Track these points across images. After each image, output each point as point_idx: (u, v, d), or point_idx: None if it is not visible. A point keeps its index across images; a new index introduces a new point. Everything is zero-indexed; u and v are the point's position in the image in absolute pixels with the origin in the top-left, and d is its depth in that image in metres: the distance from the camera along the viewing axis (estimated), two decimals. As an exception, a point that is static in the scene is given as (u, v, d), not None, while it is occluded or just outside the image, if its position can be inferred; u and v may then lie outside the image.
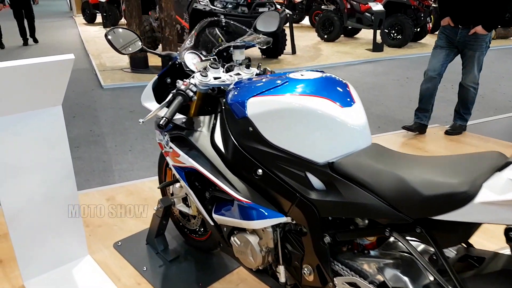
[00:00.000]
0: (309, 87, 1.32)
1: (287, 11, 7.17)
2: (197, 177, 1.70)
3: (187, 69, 1.80)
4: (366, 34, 10.45)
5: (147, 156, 3.60)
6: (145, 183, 3.03)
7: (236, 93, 1.45)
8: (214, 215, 1.61)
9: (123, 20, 12.29)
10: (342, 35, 9.93)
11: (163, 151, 1.80)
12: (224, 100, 1.54)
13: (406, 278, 1.16)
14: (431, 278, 1.13)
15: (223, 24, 1.93)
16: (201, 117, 1.63)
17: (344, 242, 1.34)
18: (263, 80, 1.46)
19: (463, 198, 0.96)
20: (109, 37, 1.69)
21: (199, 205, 1.66)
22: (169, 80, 1.84)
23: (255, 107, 1.35)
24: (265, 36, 1.79)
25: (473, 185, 0.97)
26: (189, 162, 1.57)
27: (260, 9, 6.65)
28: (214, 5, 6.58)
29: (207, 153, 1.53)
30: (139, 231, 2.42)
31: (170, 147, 1.68)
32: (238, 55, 1.76)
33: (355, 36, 10.56)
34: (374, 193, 1.16)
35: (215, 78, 1.65)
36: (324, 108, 1.25)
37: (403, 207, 1.09)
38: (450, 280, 1.06)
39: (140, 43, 1.77)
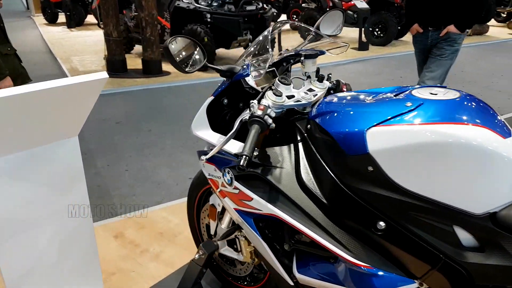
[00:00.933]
0: (455, 112, 1.00)
1: (273, 9, 6.85)
2: (271, 225, 1.35)
3: (247, 86, 1.44)
4: (348, 32, 10.33)
5: (148, 176, 3.17)
6: (156, 212, 2.63)
7: (338, 119, 1.11)
8: (297, 274, 1.26)
9: (88, 19, 11.56)
10: (325, 34, 9.72)
11: (218, 191, 1.43)
12: (311, 126, 1.20)
13: None
14: None
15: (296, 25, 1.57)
16: (277, 149, 1.28)
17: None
18: (376, 100, 1.13)
19: None
20: (172, 46, 1.28)
21: (275, 260, 1.31)
22: (226, 101, 1.47)
23: (380, 140, 1.01)
24: (343, 42, 1.46)
25: None
26: (269, 209, 1.21)
27: (248, 7, 6.29)
28: (198, 3, 6.15)
29: (294, 198, 1.18)
30: (164, 277, 2.03)
31: (235, 188, 1.31)
32: (310, 66, 1.42)
33: (337, 35, 10.39)
34: None
35: (288, 97, 1.31)
36: (485, 140, 0.94)
37: None
38: None
39: (204, 57, 1.39)
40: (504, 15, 12.04)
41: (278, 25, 1.50)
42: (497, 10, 11.68)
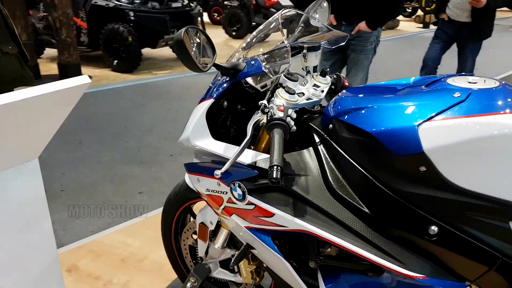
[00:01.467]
0: (507, 100, 0.94)
1: (199, 7, 6.63)
2: (289, 241, 1.19)
3: (247, 85, 1.26)
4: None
5: (90, 194, 2.80)
6: (110, 236, 2.31)
7: (377, 115, 0.99)
8: None
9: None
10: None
11: (221, 208, 1.23)
12: (334, 126, 1.07)
13: None
14: None
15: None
16: (295, 154, 1.12)
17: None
18: (413, 92, 1.03)
19: None
20: (186, 39, 1.02)
21: (298, 280, 1.15)
22: (226, 103, 1.27)
23: (436, 136, 0.91)
24: (341, 32, 1.34)
25: None
26: (297, 224, 1.06)
27: (173, 4, 5.99)
28: (119, 1, 5.70)
29: (327, 208, 1.04)
30: (140, 310, 1.76)
31: (250, 203, 1.13)
32: (313, 60, 1.29)
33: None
34: None
35: (298, 95, 1.17)
36: None
37: None
38: None
39: (213, 52, 1.16)
40: (410, 10, 13.10)
41: (285, 12, 1.34)
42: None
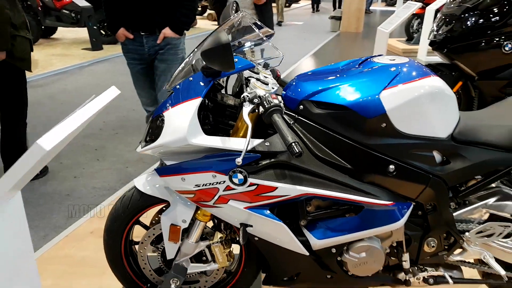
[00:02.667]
0: (420, 69, 1.37)
1: None
2: (284, 207, 1.40)
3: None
4: (64, 33, 9.66)
5: None
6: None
7: (346, 91, 1.29)
8: (317, 242, 1.40)
9: None
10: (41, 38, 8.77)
11: (215, 199, 1.33)
12: (304, 106, 1.32)
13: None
14: None
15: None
16: (275, 136, 1.32)
17: (462, 202, 1.52)
18: (355, 71, 1.36)
19: None
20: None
21: (294, 238, 1.39)
22: (207, 101, 1.34)
23: (391, 100, 1.27)
24: (269, 29, 1.57)
25: None
26: (298, 190, 1.28)
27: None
28: None
29: (320, 171, 1.30)
30: None
31: (252, 184, 1.29)
32: (258, 54, 1.50)
33: (52, 36, 9.50)
34: (496, 146, 1.40)
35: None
36: (443, 84, 1.35)
37: None
38: None
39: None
40: (200, 9, 13.95)
41: (240, 16, 1.47)
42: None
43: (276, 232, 1.38)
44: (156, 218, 1.68)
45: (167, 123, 1.31)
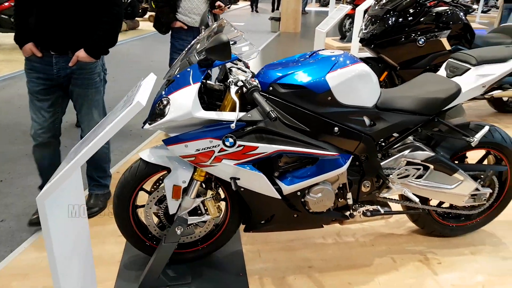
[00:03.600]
0: (351, 57, 1.92)
1: None
2: (263, 163, 1.89)
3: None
4: (3, 38, 9.43)
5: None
6: (28, 253, 2.30)
7: (303, 75, 1.80)
8: (287, 187, 1.91)
9: None
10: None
11: (211, 160, 1.79)
12: (273, 88, 1.82)
13: (422, 151, 2.09)
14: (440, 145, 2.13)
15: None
16: (255, 109, 1.81)
17: (387, 153, 2.10)
18: (307, 60, 1.89)
19: (457, 92, 2.01)
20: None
21: (269, 185, 1.88)
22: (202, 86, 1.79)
23: (334, 79, 1.81)
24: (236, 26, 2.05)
25: (456, 85, 2.03)
26: (273, 148, 1.79)
27: None
28: None
29: (288, 133, 1.81)
30: None
31: (239, 146, 1.77)
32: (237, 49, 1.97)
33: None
34: (406, 111, 2.00)
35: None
36: (367, 68, 1.92)
37: (427, 110, 2.00)
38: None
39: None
40: (140, 12, 13.94)
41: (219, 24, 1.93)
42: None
43: (257, 182, 1.87)
44: (156, 185, 2.11)
45: (173, 103, 1.75)
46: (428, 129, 2.08)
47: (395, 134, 2.11)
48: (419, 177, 2.13)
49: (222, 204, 2.13)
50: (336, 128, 1.87)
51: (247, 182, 1.88)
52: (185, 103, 1.73)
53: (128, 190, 2.02)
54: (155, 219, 2.14)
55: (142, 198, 2.16)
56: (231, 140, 1.77)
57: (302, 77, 1.82)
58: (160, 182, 2.09)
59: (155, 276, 2.03)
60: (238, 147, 1.79)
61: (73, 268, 1.54)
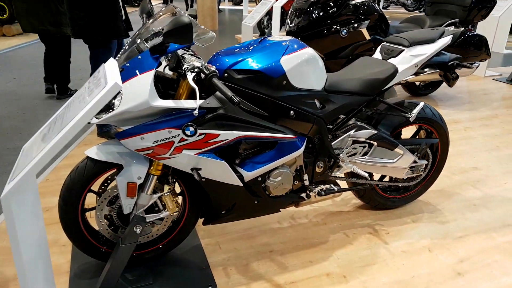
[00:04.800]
0: (299, 42, 1.97)
1: None
2: (223, 151, 1.85)
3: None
4: None
5: None
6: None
7: (257, 60, 1.81)
8: (249, 174, 1.91)
9: None
10: None
11: (170, 151, 1.72)
12: (228, 74, 1.80)
13: (365, 130, 2.22)
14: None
15: None
16: (215, 95, 1.76)
17: (335, 135, 2.19)
18: (260, 46, 1.89)
19: (394, 72, 2.16)
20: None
21: (231, 173, 1.86)
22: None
23: (288, 63, 1.84)
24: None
25: (393, 65, 2.18)
26: (235, 134, 1.78)
27: None
28: None
29: (247, 118, 1.80)
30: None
31: (201, 134, 1.71)
32: None
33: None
34: (352, 93, 2.10)
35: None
36: (314, 52, 1.98)
37: (369, 90, 2.13)
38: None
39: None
40: None
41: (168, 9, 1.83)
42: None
43: (219, 170, 1.84)
44: (105, 185, 1.97)
45: (126, 92, 1.65)
46: (370, 108, 2.21)
47: (341, 116, 2.21)
48: (365, 154, 2.25)
49: (179, 199, 2.06)
50: (291, 112, 1.91)
51: (209, 172, 1.84)
52: (140, 92, 1.64)
53: (76, 192, 1.86)
54: (107, 222, 2.00)
55: (89, 200, 2.01)
56: (191, 129, 1.71)
57: (257, 62, 1.82)
58: (109, 181, 1.96)
59: (114, 281, 1.90)
60: (199, 135, 1.74)
61: (37, 272, 1.38)
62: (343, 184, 2.86)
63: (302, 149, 1.99)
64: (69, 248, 2.24)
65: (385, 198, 2.54)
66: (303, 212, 2.61)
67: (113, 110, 1.67)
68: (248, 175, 1.92)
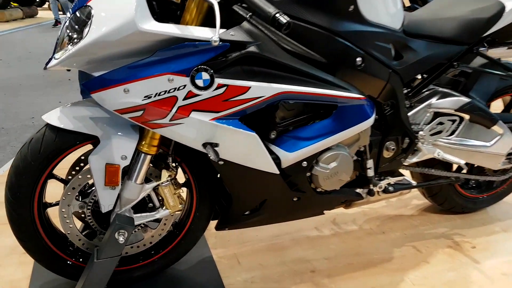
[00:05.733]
0: None
1: None
2: (251, 120, 1.20)
3: None
4: None
5: None
6: None
7: None
8: (289, 155, 1.26)
9: None
10: None
11: (171, 114, 1.08)
12: None
13: (454, 97, 1.55)
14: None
15: None
16: (237, 27, 1.12)
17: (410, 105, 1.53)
18: None
19: (500, 11, 1.49)
20: None
21: (267, 155, 1.22)
22: None
23: None
24: None
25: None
26: (275, 88, 1.14)
27: None
28: None
29: (294, 64, 1.16)
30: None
31: (220, 86, 1.07)
32: None
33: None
34: (440, 39, 1.45)
35: None
36: None
37: (466, 37, 1.47)
38: None
39: None
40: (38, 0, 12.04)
41: None
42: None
43: (246, 147, 1.20)
44: (77, 168, 1.34)
45: (100, 11, 1.02)
46: (464, 65, 1.54)
47: (418, 77, 1.56)
48: (451, 133, 1.60)
49: (183, 192, 1.42)
50: (359, 59, 1.26)
51: (230, 150, 1.20)
52: (122, 7, 1.01)
53: (30, 178, 1.23)
54: (78, 223, 1.37)
55: (54, 190, 1.38)
56: (205, 76, 1.07)
57: None
58: (81, 163, 1.33)
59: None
60: (217, 88, 1.09)
61: None
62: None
63: (373, 118, 1.33)
64: (31, 259, 1.60)
65: (466, 198, 1.87)
66: (349, 215, 1.95)
67: (80, 41, 1.04)
68: (288, 157, 1.27)
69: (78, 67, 1.11)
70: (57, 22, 8.75)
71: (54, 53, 1.14)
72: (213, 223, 1.49)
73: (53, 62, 1.10)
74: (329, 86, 1.22)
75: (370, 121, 1.32)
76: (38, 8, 11.55)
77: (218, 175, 1.38)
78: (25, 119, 3.31)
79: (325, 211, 1.55)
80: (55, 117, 1.21)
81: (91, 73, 1.10)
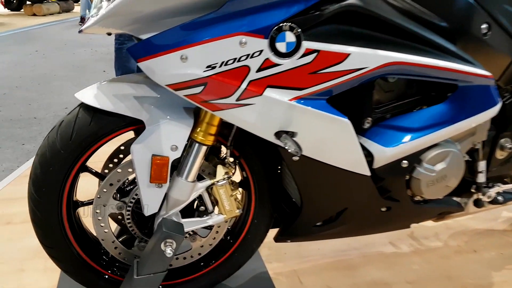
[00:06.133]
0: None
1: None
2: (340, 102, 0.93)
3: None
4: None
5: None
6: None
7: None
8: (387, 151, 0.97)
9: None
10: None
11: (240, 91, 0.82)
12: None
13: None
14: None
15: None
16: None
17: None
18: None
19: None
20: None
21: (360, 150, 0.94)
22: None
23: None
24: None
25: None
26: (382, 57, 0.87)
27: None
28: None
29: (407, 24, 0.89)
30: None
31: (308, 52, 0.80)
32: None
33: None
34: None
35: None
36: None
37: None
38: None
39: None
40: (15, 2, 10.59)
41: None
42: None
43: (334, 139, 0.91)
44: (115, 160, 1.10)
45: None
46: None
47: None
48: None
49: (240, 193, 1.15)
50: (484, 26, 0.96)
51: (311, 141, 0.91)
52: None
53: (58, 171, 0.99)
54: (114, 227, 1.13)
55: (87, 186, 1.15)
56: (290, 36, 0.80)
57: None
58: (121, 155, 1.08)
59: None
60: (303, 55, 0.81)
61: None
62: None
63: (500, 106, 1.03)
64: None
65: None
66: (429, 228, 1.64)
67: None
68: (385, 154, 0.98)
69: (120, 28, 0.86)
70: (82, 19, 8.50)
71: (93, 12, 0.91)
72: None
73: (90, 21, 0.86)
74: (452, 58, 0.93)
75: (496, 108, 1.02)
76: (75, 4, 11.72)
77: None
78: (58, 109, 3.18)
79: (411, 225, 1.25)
80: (91, 96, 0.97)
81: (138, 36, 0.85)
